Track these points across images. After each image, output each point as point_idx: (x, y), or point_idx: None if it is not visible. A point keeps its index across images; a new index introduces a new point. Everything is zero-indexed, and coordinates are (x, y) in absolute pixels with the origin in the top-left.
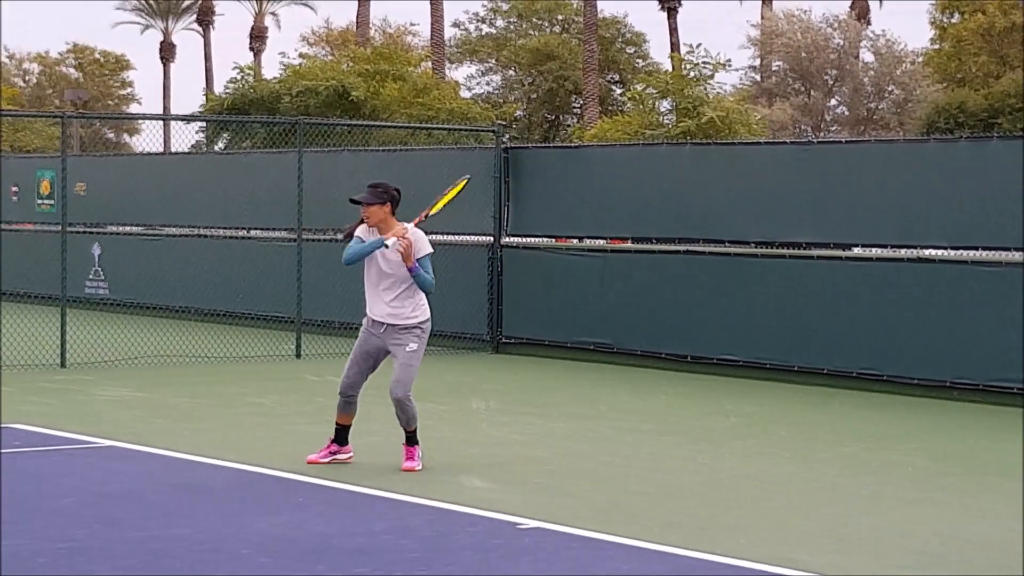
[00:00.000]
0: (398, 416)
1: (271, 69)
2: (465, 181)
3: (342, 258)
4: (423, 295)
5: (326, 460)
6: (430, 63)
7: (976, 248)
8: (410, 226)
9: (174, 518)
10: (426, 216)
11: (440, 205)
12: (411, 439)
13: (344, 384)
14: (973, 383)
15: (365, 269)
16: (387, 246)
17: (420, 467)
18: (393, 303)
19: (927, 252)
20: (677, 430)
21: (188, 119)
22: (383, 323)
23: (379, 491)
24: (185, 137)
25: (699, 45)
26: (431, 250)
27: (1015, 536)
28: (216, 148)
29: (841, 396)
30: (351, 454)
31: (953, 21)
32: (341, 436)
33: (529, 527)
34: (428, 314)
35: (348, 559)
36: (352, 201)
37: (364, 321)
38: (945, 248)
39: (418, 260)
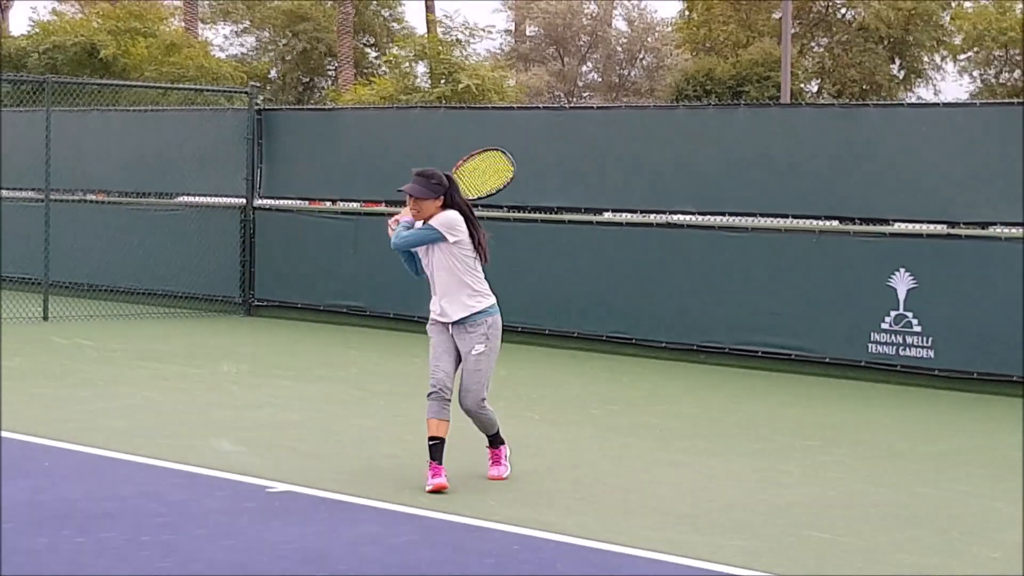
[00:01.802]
0: (477, 427)
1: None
2: (509, 178)
3: (392, 243)
4: (482, 278)
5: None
6: (182, 22)
7: (723, 214)
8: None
9: None
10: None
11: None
12: (494, 440)
13: (434, 379)
14: (720, 346)
15: (424, 260)
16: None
17: (508, 474)
18: (449, 297)
19: (675, 217)
20: (416, 393)
21: None
22: (440, 321)
23: (127, 455)
24: None
25: (457, 12)
26: (444, 231)
27: (760, 496)
28: None
29: (592, 360)
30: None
31: None
32: (436, 451)
33: (279, 490)
34: (493, 308)
35: (95, 523)
36: (399, 191)
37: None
38: (693, 214)
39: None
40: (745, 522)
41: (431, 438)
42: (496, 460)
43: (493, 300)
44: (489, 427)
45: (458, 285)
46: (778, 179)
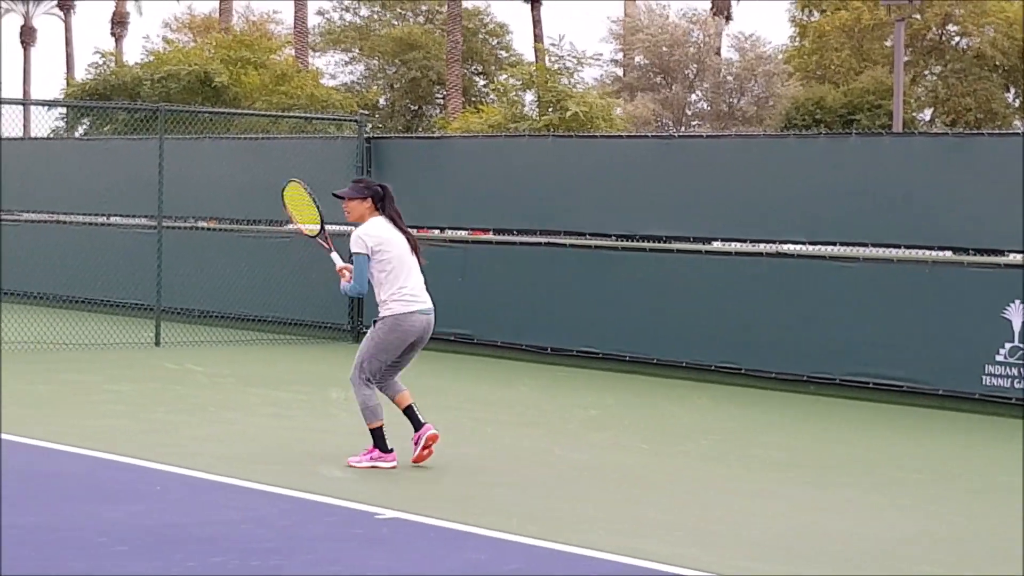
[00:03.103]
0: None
1: (133, 55)
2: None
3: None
4: (392, 290)
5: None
6: (293, 50)
7: (833, 244)
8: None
9: (28, 506)
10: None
11: (297, 214)
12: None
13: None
14: (830, 377)
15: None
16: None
17: (362, 466)
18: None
19: (785, 247)
20: (536, 422)
21: (49, 104)
22: None
23: (237, 480)
24: (45, 122)
25: (563, 37)
26: (358, 249)
27: (865, 530)
28: (76, 134)
29: (700, 389)
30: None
31: (812, 19)
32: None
33: (386, 517)
34: (387, 311)
35: (204, 548)
36: (334, 195)
37: None
38: (803, 243)
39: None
40: (849, 557)
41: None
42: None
43: (393, 312)
44: (362, 413)
45: (378, 288)
46: (890, 209)
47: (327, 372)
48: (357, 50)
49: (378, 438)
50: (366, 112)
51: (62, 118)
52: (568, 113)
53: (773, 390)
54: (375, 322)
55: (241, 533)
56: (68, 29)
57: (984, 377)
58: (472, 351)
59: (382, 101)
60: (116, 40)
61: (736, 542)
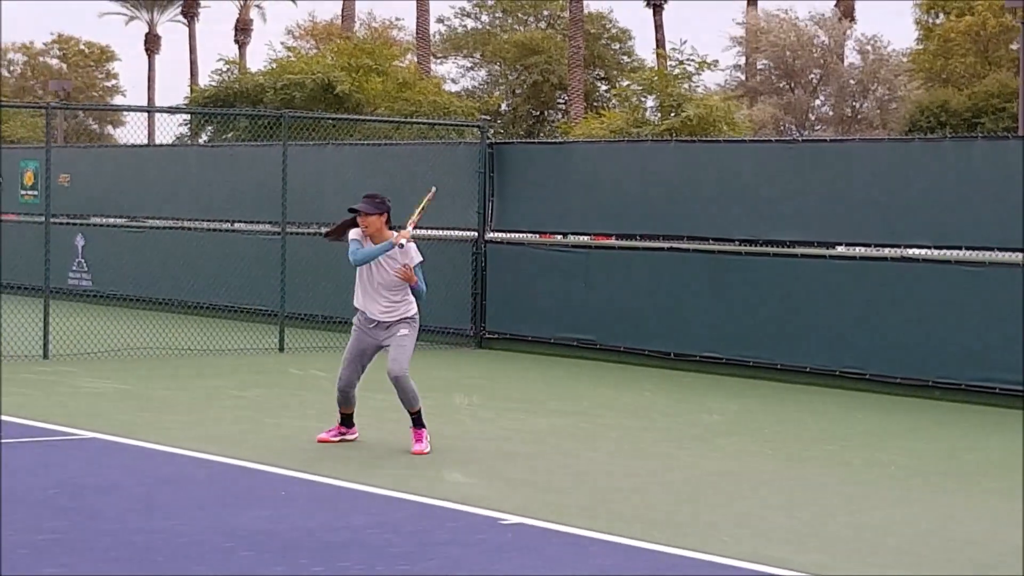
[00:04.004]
0: (400, 398)
1: (256, 62)
2: (433, 192)
3: (353, 258)
4: (407, 290)
5: (336, 439)
6: (415, 57)
7: (959, 248)
8: (409, 231)
9: (156, 511)
10: (414, 226)
11: (417, 216)
12: (417, 421)
13: (342, 382)
14: (955, 383)
15: (364, 270)
16: (401, 245)
17: (429, 449)
18: (387, 303)
19: (910, 251)
20: (660, 427)
21: (172, 111)
22: (376, 320)
23: (361, 485)
24: (169, 129)
25: (684, 42)
26: (422, 258)
27: (995, 536)
28: (200, 140)
29: (824, 394)
30: (356, 434)
31: (938, 21)
32: (347, 420)
33: (511, 523)
34: (416, 310)
35: (331, 553)
36: (350, 210)
37: (357, 319)
38: (928, 248)
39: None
40: (982, 562)
41: (343, 414)
42: (418, 438)
43: (416, 309)
44: (413, 400)
45: (403, 291)
46: (1015, 212)
47: (451, 377)
48: (479, 56)
49: (419, 418)
50: (488, 117)
51: (186, 124)
52: (684, 115)
53: (898, 395)
54: (408, 319)
55: (367, 538)
56: (192, 36)
57: None
58: (594, 356)
59: (504, 106)
60: (240, 47)
61: (862, 548)
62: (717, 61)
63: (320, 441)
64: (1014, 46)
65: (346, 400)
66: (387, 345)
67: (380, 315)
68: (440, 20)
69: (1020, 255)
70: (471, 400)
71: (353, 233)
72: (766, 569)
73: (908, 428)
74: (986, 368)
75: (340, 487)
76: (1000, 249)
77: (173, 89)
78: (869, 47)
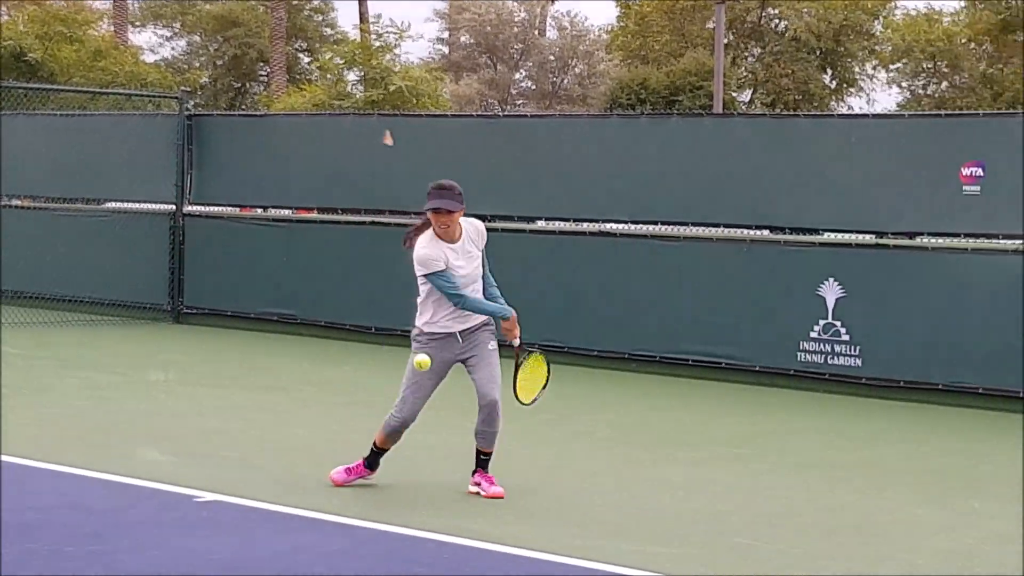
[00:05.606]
0: (485, 431)
1: None
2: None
3: (458, 300)
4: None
5: (353, 480)
6: (112, 26)
7: (654, 223)
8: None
9: None
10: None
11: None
12: (486, 464)
13: (407, 414)
14: (650, 355)
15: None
16: (505, 318)
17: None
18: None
19: (607, 226)
20: (361, 401)
21: None
22: (458, 332)
23: (50, 464)
24: None
25: (379, 16)
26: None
27: (685, 507)
28: None
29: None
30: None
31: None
32: (377, 459)
33: (207, 500)
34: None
35: (19, 534)
36: (434, 211)
37: (423, 340)
38: (625, 222)
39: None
40: (673, 530)
41: (378, 449)
42: (490, 481)
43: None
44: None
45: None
46: (709, 188)
47: (147, 353)
48: (179, 25)
49: (488, 461)
50: (187, 89)
51: None
52: (392, 88)
53: (597, 368)
54: (489, 326)
55: (57, 518)
56: None
57: (799, 354)
58: (295, 331)
59: (206, 79)
60: None
61: (566, 519)
62: (422, 35)
63: (336, 484)
64: (710, 25)
65: (399, 435)
66: (467, 358)
67: (464, 324)
68: None
69: (712, 230)
70: (167, 376)
71: (428, 248)
72: (461, 540)
73: (605, 400)
74: (680, 340)
75: (28, 466)
76: (694, 224)
77: None
78: (568, 23)
